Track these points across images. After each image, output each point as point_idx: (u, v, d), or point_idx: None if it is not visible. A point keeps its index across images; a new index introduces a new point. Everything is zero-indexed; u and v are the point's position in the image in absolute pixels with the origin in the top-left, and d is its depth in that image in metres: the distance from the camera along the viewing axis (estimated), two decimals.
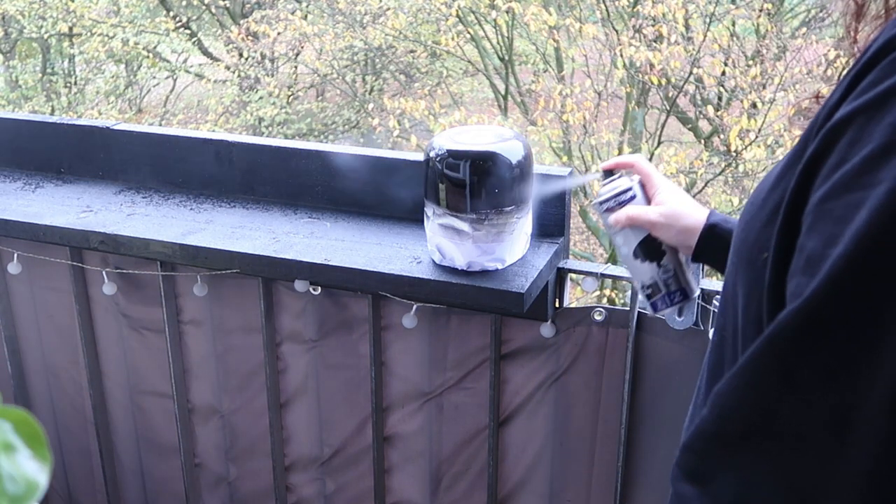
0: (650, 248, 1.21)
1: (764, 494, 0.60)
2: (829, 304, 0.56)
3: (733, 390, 0.62)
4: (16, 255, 1.88)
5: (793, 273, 0.61)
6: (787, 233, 0.63)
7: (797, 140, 0.69)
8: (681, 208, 1.18)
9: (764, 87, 6.44)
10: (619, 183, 1.22)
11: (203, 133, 1.88)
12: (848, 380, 0.56)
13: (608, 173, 1.25)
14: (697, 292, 1.26)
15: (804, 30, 7.33)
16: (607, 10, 6.97)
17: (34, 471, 0.41)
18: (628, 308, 1.54)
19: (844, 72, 0.66)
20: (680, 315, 1.48)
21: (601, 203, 1.23)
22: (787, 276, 0.62)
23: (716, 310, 1.46)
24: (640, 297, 1.28)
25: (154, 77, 10.50)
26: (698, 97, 7.24)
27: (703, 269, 1.47)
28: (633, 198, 1.22)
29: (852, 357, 0.56)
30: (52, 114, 8.88)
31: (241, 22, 8.67)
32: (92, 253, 1.85)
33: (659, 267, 1.21)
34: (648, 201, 1.22)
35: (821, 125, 0.63)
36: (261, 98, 8.61)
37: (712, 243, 1.13)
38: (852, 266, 0.55)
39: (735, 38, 6.94)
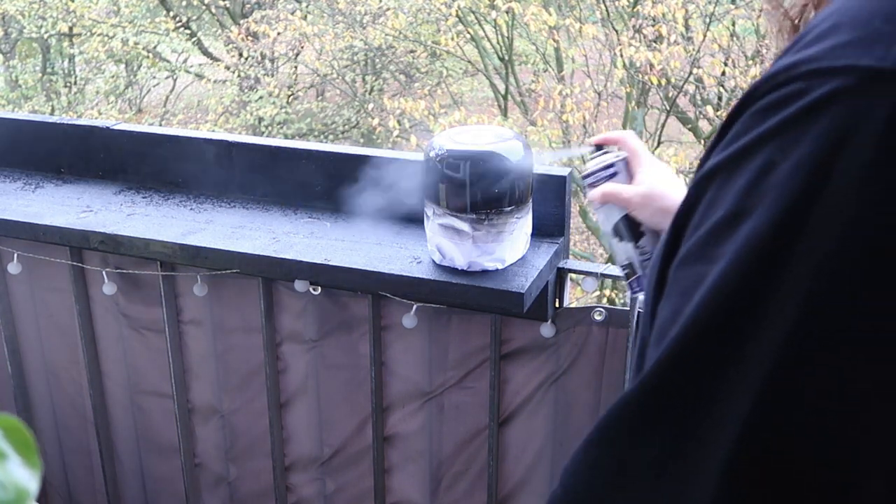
0: (629, 227, 1.19)
1: None
2: (657, 393, 0.53)
3: (574, 469, 0.60)
4: (16, 255, 1.88)
5: (650, 342, 0.57)
6: (658, 290, 0.59)
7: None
8: (661, 188, 1.15)
9: None
10: (604, 158, 1.20)
11: (203, 133, 1.88)
12: (672, 473, 0.53)
13: (598, 148, 1.23)
14: None
15: None
16: (607, 10, 6.97)
17: (24, 478, 0.41)
18: (628, 308, 1.54)
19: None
20: None
21: (584, 177, 1.22)
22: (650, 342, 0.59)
23: None
24: (622, 276, 1.26)
25: (154, 77, 10.51)
26: (698, 97, 7.24)
27: None
28: (614, 174, 1.19)
29: (675, 452, 0.53)
30: (52, 114, 8.88)
31: (241, 22, 8.67)
32: (92, 253, 1.85)
33: (636, 248, 1.19)
34: (632, 179, 1.20)
35: (696, 173, 0.58)
36: (261, 98, 8.62)
37: None
38: (683, 353, 0.52)
39: (735, 38, 6.94)
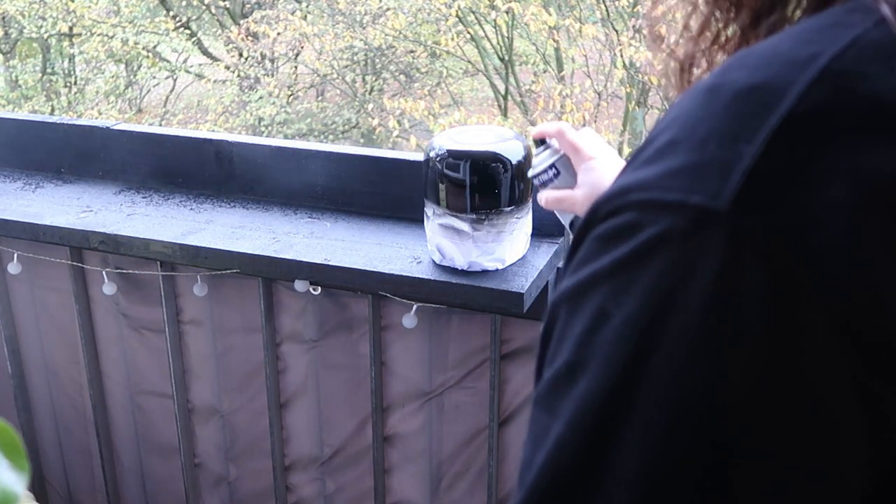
0: None
1: None
2: None
3: None
4: (16, 255, 1.88)
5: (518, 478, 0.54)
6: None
7: None
8: (604, 184, 1.09)
9: None
10: (543, 158, 1.16)
11: (203, 133, 1.88)
12: None
13: (541, 142, 1.19)
14: None
15: None
16: (607, 10, 6.98)
17: (11, 481, 0.41)
18: None
19: None
20: None
21: (534, 178, 1.19)
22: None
23: None
24: None
25: (154, 77, 10.50)
26: None
27: None
28: (555, 176, 1.16)
29: None
30: (52, 114, 8.89)
31: (241, 22, 8.68)
32: (92, 253, 1.85)
33: None
34: (576, 175, 1.15)
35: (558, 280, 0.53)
36: (261, 98, 8.62)
37: None
38: None
39: None
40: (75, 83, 10.08)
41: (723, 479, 0.41)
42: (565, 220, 1.20)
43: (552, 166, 1.15)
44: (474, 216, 1.38)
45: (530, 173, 1.20)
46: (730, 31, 0.56)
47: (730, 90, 0.44)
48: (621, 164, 1.09)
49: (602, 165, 1.13)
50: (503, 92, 8.31)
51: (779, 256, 0.40)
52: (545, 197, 1.17)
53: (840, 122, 0.41)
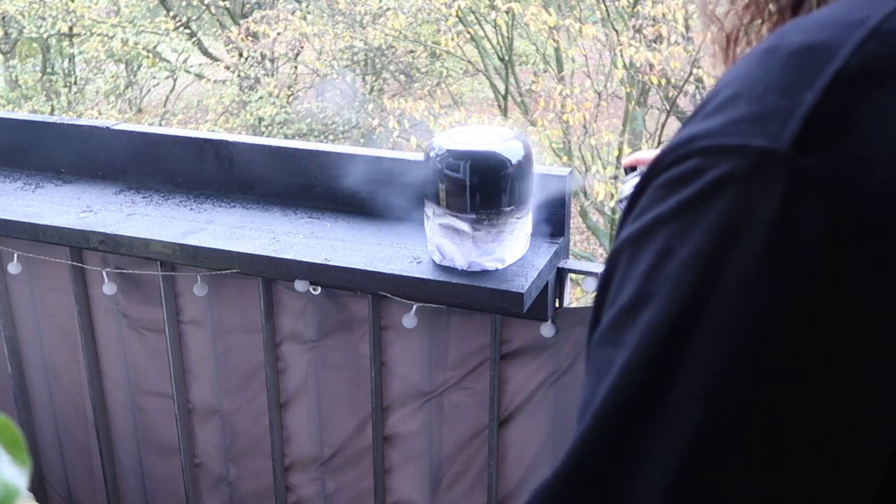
0: None
1: None
2: (570, 483, 0.52)
3: None
4: (16, 255, 1.88)
5: (577, 418, 0.56)
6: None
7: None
8: None
9: None
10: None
11: (203, 133, 1.88)
12: None
13: (630, 169, 1.21)
14: None
15: None
16: (607, 10, 6.97)
17: (13, 476, 0.41)
18: None
19: None
20: None
21: (620, 202, 1.22)
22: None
23: None
24: None
25: (154, 77, 10.50)
26: (698, 97, 7.24)
27: None
28: None
29: None
30: (52, 114, 8.89)
31: (241, 22, 8.67)
32: (92, 253, 1.85)
33: None
34: None
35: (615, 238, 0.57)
36: (261, 98, 8.62)
37: None
38: (590, 444, 0.51)
39: None
40: (75, 83, 10.08)
41: (777, 401, 0.44)
42: None
43: None
44: (474, 216, 1.38)
45: (621, 196, 1.20)
46: (772, 6, 0.61)
47: (786, 49, 0.48)
48: None
49: None
50: (503, 92, 8.31)
51: (836, 193, 0.43)
52: None
53: (891, 72, 0.45)
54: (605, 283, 0.54)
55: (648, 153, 1.23)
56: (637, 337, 0.48)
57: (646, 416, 0.48)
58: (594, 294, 0.57)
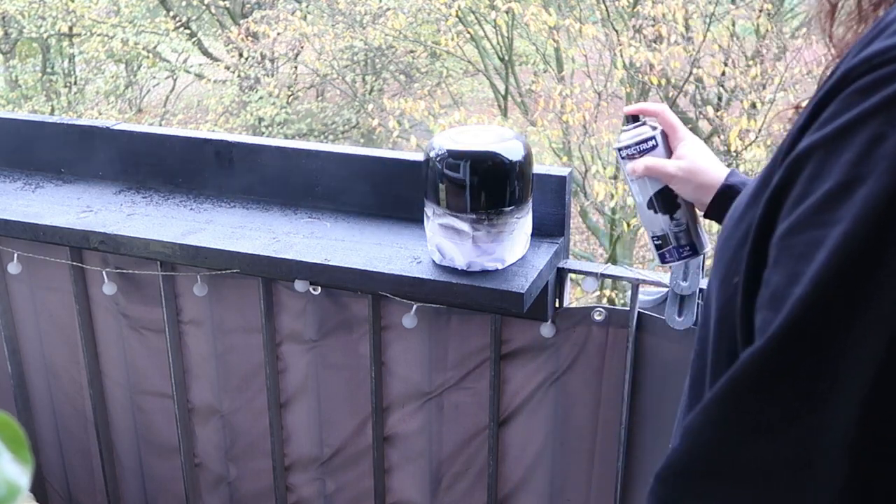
0: (665, 199, 1.20)
1: None
2: (788, 347, 0.57)
3: (700, 427, 0.63)
4: (16, 255, 1.88)
5: (759, 306, 0.62)
6: (755, 261, 0.64)
7: (767, 163, 0.69)
8: (701, 163, 1.18)
9: (764, 88, 6.45)
10: (642, 131, 1.21)
11: (203, 133, 1.88)
12: (810, 421, 0.57)
13: (632, 119, 1.23)
14: (707, 249, 1.25)
15: (804, 30, 7.33)
16: (607, 10, 6.97)
17: (15, 474, 0.41)
18: (628, 308, 1.54)
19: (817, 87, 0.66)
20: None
21: (621, 149, 1.22)
22: (755, 307, 0.63)
23: None
24: (651, 247, 1.26)
25: (154, 77, 10.51)
26: (698, 97, 7.24)
27: (703, 270, 1.47)
28: (654, 147, 1.21)
29: (814, 398, 0.56)
30: (52, 114, 8.88)
31: (241, 22, 8.68)
32: (92, 253, 1.85)
33: (672, 220, 1.21)
34: (670, 152, 1.21)
35: (786, 153, 0.63)
36: (261, 98, 8.62)
37: (725, 204, 1.12)
38: (811, 308, 0.56)
39: (735, 39, 6.94)
40: (75, 83, 10.08)
41: None
42: (645, 193, 1.21)
43: (652, 138, 1.20)
44: (474, 216, 1.38)
45: (621, 144, 1.22)
46: None
47: None
48: (709, 150, 1.20)
49: (698, 144, 1.21)
50: (503, 92, 8.31)
51: None
52: (643, 163, 1.20)
53: None
54: (782, 189, 0.61)
55: (653, 105, 1.24)
56: (854, 210, 0.54)
57: (864, 281, 0.54)
58: (764, 206, 0.63)
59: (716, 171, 1.16)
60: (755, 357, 0.58)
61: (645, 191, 1.21)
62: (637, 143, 1.20)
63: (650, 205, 1.20)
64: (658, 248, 1.24)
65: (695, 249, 1.22)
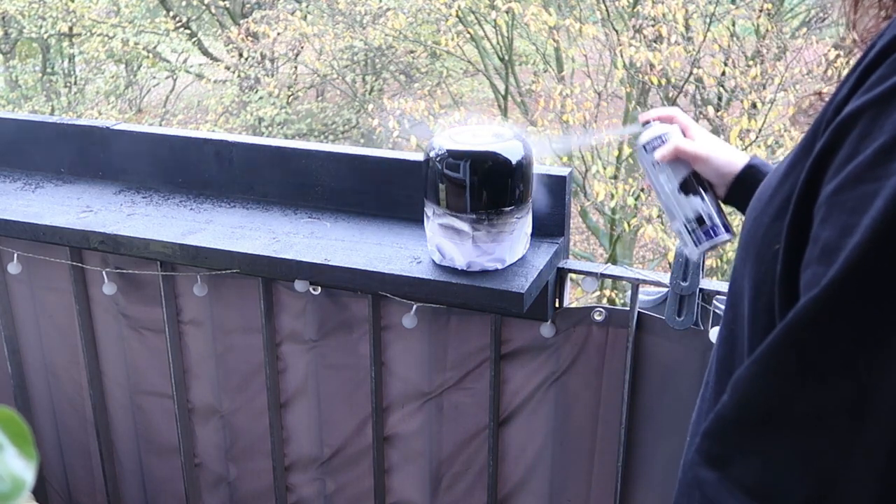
0: (695, 182, 1.24)
1: (784, 477, 0.61)
2: (847, 292, 0.58)
3: (753, 377, 0.63)
4: (16, 255, 1.88)
5: (807, 263, 0.62)
6: (799, 225, 0.65)
7: (803, 137, 0.70)
8: (717, 150, 1.22)
9: (764, 88, 6.44)
10: (659, 127, 1.26)
11: (203, 133, 1.88)
12: (867, 365, 0.58)
13: (646, 124, 1.29)
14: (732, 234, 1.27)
15: (804, 30, 7.33)
16: (607, 10, 6.97)
17: (21, 469, 0.42)
18: (628, 308, 1.54)
19: (846, 70, 0.68)
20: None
21: (645, 144, 1.26)
22: (801, 267, 0.64)
23: (716, 310, 1.46)
24: (684, 234, 1.26)
25: (154, 77, 10.51)
26: (698, 97, 7.24)
27: (703, 270, 1.47)
28: (663, 142, 1.26)
29: (871, 342, 0.57)
30: (52, 114, 8.88)
31: (241, 22, 8.68)
32: (92, 253, 1.85)
33: (705, 198, 1.23)
34: None
35: (829, 120, 0.64)
36: (261, 98, 8.62)
37: (748, 185, 1.16)
38: (870, 254, 0.57)
39: (735, 38, 6.94)
40: (75, 83, 10.08)
41: None
42: (676, 179, 1.24)
43: (667, 133, 1.25)
44: (474, 216, 1.38)
45: (643, 141, 1.26)
46: None
47: None
48: (722, 142, 1.23)
49: (712, 136, 1.25)
50: (503, 92, 8.31)
51: None
52: (673, 145, 1.23)
53: None
54: (829, 151, 0.62)
55: (666, 110, 1.28)
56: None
57: None
58: (808, 169, 0.64)
59: (736, 155, 1.20)
60: (811, 304, 0.59)
61: (674, 178, 1.25)
62: (658, 136, 1.25)
63: (683, 188, 1.24)
64: (693, 231, 1.24)
65: (727, 228, 1.24)
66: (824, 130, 0.64)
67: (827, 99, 0.71)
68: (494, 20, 7.64)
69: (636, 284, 1.52)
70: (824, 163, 0.63)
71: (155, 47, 9.75)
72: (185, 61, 10.23)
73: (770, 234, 0.69)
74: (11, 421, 0.43)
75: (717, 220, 1.23)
